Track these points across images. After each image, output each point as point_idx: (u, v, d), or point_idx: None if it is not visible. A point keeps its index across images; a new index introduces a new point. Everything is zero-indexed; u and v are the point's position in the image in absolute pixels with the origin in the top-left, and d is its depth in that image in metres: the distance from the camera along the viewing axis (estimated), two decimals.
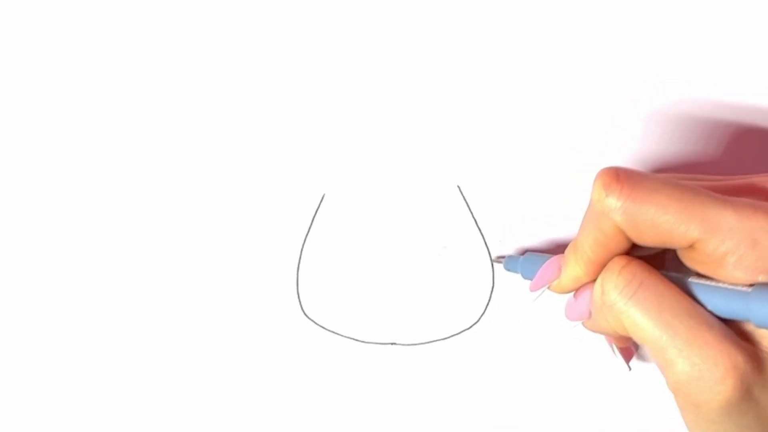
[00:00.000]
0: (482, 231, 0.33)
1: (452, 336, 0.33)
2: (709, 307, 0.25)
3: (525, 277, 0.31)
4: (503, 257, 0.33)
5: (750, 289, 0.24)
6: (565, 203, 0.33)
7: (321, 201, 0.34)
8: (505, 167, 0.34)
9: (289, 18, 0.34)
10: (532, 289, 0.30)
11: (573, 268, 0.28)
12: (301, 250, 0.34)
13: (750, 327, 0.25)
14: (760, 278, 0.24)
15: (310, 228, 0.34)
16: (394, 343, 0.34)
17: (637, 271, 0.26)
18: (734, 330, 0.25)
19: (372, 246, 0.34)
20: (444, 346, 0.34)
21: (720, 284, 0.25)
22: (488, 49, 0.34)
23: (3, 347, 0.34)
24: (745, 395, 0.24)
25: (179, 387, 0.34)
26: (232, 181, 0.34)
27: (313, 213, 0.34)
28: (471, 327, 0.33)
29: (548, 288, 0.29)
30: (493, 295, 0.33)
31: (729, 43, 0.33)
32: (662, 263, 0.28)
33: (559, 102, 0.33)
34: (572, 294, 0.29)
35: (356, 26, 0.34)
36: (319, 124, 0.34)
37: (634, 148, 0.33)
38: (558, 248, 0.33)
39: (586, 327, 0.28)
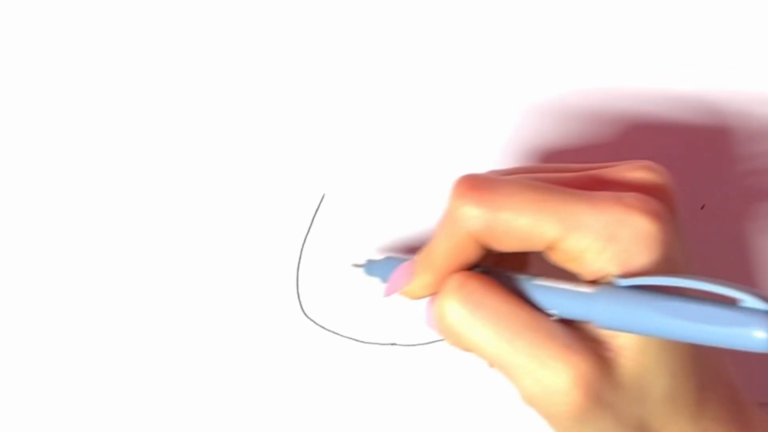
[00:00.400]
0: None
1: None
2: (554, 310, 0.24)
3: (383, 281, 0.30)
4: (362, 264, 0.32)
5: (593, 291, 0.23)
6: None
7: (321, 201, 0.34)
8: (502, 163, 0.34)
9: (289, 18, 0.34)
10: (385, 295, 0.29)
11: (424, 275, 0.27)
12: (301, 250, 0.34)
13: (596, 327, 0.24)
14: (617, 273, 0.23)
15: (310, 228, 0.34)
16: (394, 344, 0.34)
17: (475, 288, 0.25)
18: (582, 332, 0.24)
19: (372, 246, 0.33)
20: (444, 346, 0.33)
21: (565, 286, 0.24)
22: (491, 54, 0.34)
23: (3, 347, 0.34)
24: (597, 401, 0.23)
25: (179, 387, 0.34)
26: (232, 181, 0.34)
27: (313, 213, 0.34)
28: None
29: (401, 294, 0.28)
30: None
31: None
32: (524, 261, 0.27)
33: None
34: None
35: (356, 26, 0.34)
36: (319, 123, 0.34)
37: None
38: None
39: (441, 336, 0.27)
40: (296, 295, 0.34)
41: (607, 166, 0.27)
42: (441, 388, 0.34)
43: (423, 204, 0.33)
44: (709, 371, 0.26)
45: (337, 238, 0.34)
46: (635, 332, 0.23)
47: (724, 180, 0.33)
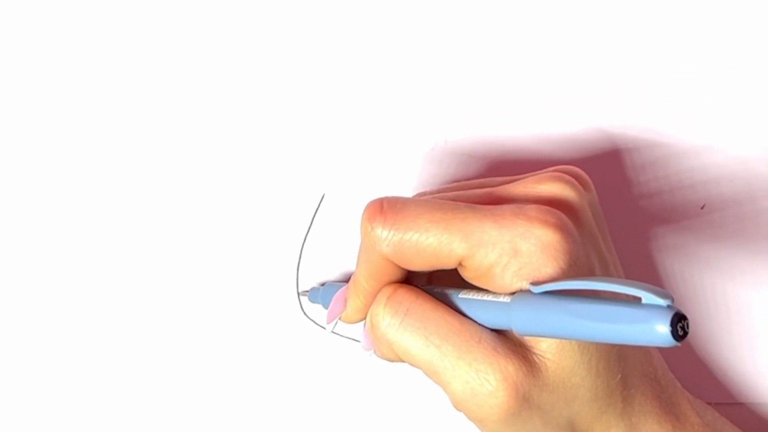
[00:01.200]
0: None
1: None
2: (479, 321, 0.25)
3: (324, 308, 0.31)
4: (307, 291, 0.33)
5: (509, 300, 0.24)
6: None
7: (321, 201, 0.34)
8: (505, 169, 0.34)
9: (289, 18, 0.34)
10: (327, 322, 0.30)
11: (354, 300, 0.28)
12: (301, 250, 0.34)
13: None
14: (524, 285, 0.24)
15: (309, 228, 0.34)
16: None
17: (403, 298, 0.26)
18: (510, 338, 0.25)
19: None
20: None
21: (485, 297, 0.25)
22: (491, 54, 0.34)
23: (3, 347, 0.34)
24: (523, 403, 0.24)
25: (179, 387, 0.34)
26: (232, 181, 0.34)
27: (313, 213, 0.34)
28: None
29: (340, 320, 0.29)
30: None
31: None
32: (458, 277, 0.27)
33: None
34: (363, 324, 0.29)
35: (356, 26, 0.34)
36: (319, 123, 0.34)
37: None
38: None
39: (377, 356, 0.28)
40: (296, 295, 0.34)
41: (516, 179, 0.27)
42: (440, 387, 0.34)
43: None
44: (633, 368, 0.26)
45: (337, 238, 0.34)
46: (549, 336, 0.23)
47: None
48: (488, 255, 0.24)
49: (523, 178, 0.27)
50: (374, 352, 0.28)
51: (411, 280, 0.27)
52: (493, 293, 0.25)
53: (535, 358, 0.24)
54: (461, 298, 0.26)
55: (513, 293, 0.24)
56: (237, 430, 0.34)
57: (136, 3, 0.34)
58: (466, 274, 0.25)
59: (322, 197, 0.34)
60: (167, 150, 0.34)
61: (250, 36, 0.34)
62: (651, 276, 0.34)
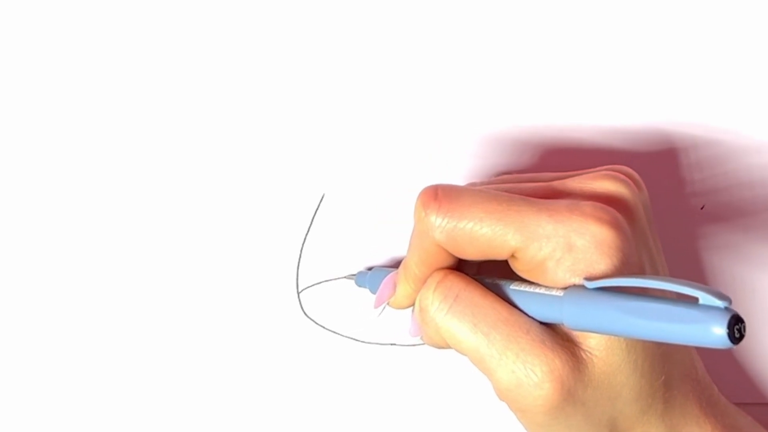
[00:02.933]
0: None
1: None
2: (529, 313, 0.25)
3: (372, 293, 0.31)
4: (354, 274, 0.33)
5: (562, 294, 0.24)
6: None
7: (321, 201, 0.34)
8: (505, 170, 0.33)
9: (289, 18, 0.34)
10: (375, 306, 0.30)
11: (404, 286, 0.28)
12: (301, 250, 0.34)
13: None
14: (577, 281, 0.24)
15: (309, 228, 0.34)
16: (394, 344, 0.34)
17: (453, 284, 0.26)
18: (558, 332, 0.25)
19: (372, 246, 0.34)
20: None
21: (537, 290, 0.25)
22: (488, 53, 0.34)
23: (3, 347, 0.34)
24: (568, 397, 0.24)
25: (179, 387, 0.34)
26: (232, 181, 0.34)
27: (313, 213, 0.34)
28: None
29: (388, 305, 0.29)
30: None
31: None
32: (507, 269, 0.28)
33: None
34: (411, 310, 0.29)
35: (356, 26, 0.34)
36: (319, 124, 0.34)
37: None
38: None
39: (424, 342, 0.28)
40: (296, 295, 0.34)
41: (572, 175, 0.27)
42: (440, 388, 0.34)
43: None
44: (676, 369, 0.26)
45: (337, 239, 0.34)
46: (601, 332, 0.23)
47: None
48: (542, 248, 0.24)
49: (578, 174, 0.27)
50: (421, 337, 0.28)
51: (460, 268, 0.27)
52: (545, 286, 0.25)
53: (583, 354, 0.24)
54: (512, 289, 0.26)
55: (565, 288, 0.24)
56: (237, 430, 0.34)
57: (136, 3, 0.34)
58: (518, 266, 0.25)
59: (322, 197, 0.34)
60: (167, 150, 0.34)
61: (250, 36, 0.34)
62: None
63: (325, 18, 0.34)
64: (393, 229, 0.34)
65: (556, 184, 0.27)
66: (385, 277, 0.29)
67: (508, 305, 0.25)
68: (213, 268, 0.34)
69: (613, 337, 0.24)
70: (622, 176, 0.27)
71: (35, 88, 0.34)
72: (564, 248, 0.24)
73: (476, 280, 0.26)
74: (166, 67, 0.34)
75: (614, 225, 0.24)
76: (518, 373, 0.24)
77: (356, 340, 0.34)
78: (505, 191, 0.26)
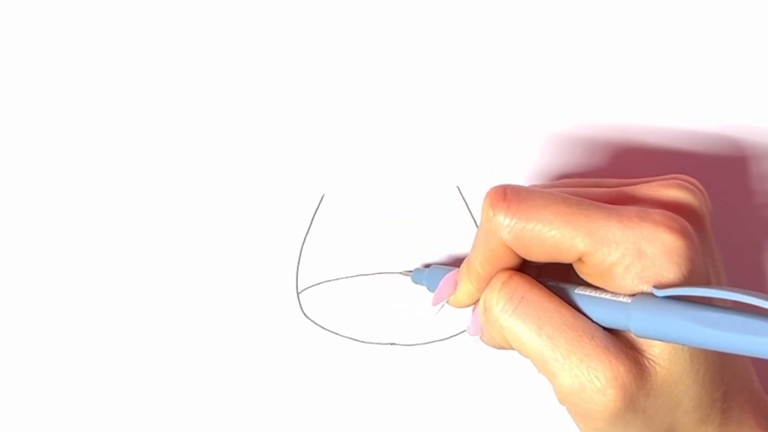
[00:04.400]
0: None
1: (451, 336, 0.33)
2: (594, 318, 0.25)
3: (430, 290, 0.31)
4: (410, 271, 0.33)
5: (630, 300, 0.24)
6: None
7: (321, 201, 0.34)
8: (505, 170, 0.34)
9: (289, 18, 0.34)
10: (433, 304, 0.30)
11: (466, 284, 0.28)
12: (301, 250, 0.34)
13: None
14: (645, 288, 0.24)
15: (309, 228, 0.34)
16: (394, 344, 0.34)
17: (518, 285, 0.26)
18: (621, 339, 0.25)
19: (371, 246, 0.34)
20: (443, 346, 0.33)
21: (603, 295, 0.25)
22: (488, 53, 0.34)
23: (3, 347, 0.34)
24: (630, 405, 0.24)
25: (178, 387, 0.34)
26: (232, 181, 0.34)
27: (313, 213, 0.34)
28: None
29: (447, 303, 0.29)
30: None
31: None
32: (566, 272, 0.28)
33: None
34: (472, 309, 0.29)
35: (356, 26, 0.34)
36: (319, 124, 0.34)
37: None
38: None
39: (483, 342, 0.28)
40: (296, 295, 0.34)
41: (640, 182, 0.27)
42: (440, 387, 0.34)
43: (423, 204, 0.34)
44: (735, 381, 0.26)
45: (337, 239, 0.34)
46: (670, 341, 0.23)
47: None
48: (611, 254, 0.24)
49: (644, 181, 0.27)
50: (480, 338, 0.28)
51: (521, 270, 0.27)
52: (611, 292, 0.25)
53: (646, 362, 0.24)
54: (576, 293, 0.26)
55: (633, 294, 0.24)
56: (237, 430, 0.34)
57: (136, 3, 0.34)
58: (584, 270, 0.25)
59: (322, 197, 0.34)
60: (168, 150, 0.34)
61: (250, 36, 0.34)
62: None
63: (325, 18, 0.34)
64: (393, 229, 0.34)
65: (626, 189, 0.27)
66: (444, 275, 0.29)
67: (573, 309, 0.25)
68: (213, 269, 0.34)
69: (677, 346, 0.24)
70: (690, 185, 0.27)
71: (35, 88, 0.34)
72: (633, 255, 0.24)
73: (540, 282, 0.26)
74: (166, 67, 0.34)
75: (684, 234, 0.24)
76: (581, 378, 0.24)
77: (356, 340, 0.34)
78: (570, 193, 0.26)
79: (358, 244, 0.34)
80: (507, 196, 0.25)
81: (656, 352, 0.24)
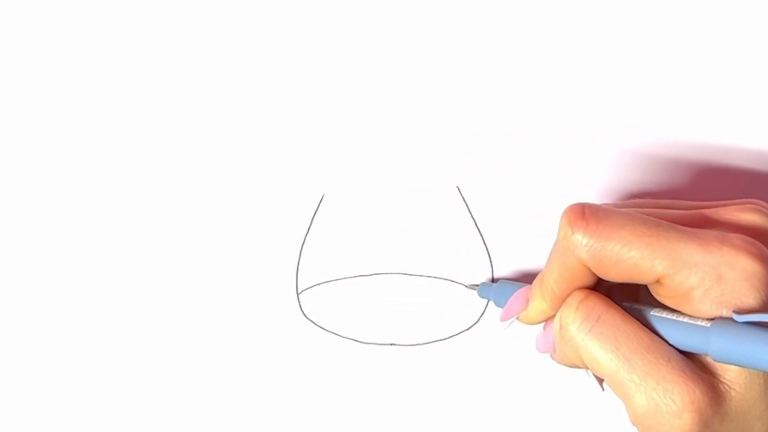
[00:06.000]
0: (481, 232, 0.33)
1: (451, 337, 0.33)
2: (670, 341, 0.25)
3: (497, 305, 0.31)
4: (477, 285, 0.33)
5: (709, 324, 0.24)
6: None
7: (321, 201, 0.34)
8: (505, 170, 0.34)
9: (288, 18, 0.34)
10: (502, 320, 0.30)
11: (539, 301, 0.28)
12: (301, 250, 0.34)
13: (711, 359, 0.25)
14: (724, 313, 0.24)
15: (309, 228, 0.34)
16: (393, 344, 0.34)
17: (595, 305, 0.26)
18: (696, 362, 0.25)
19: (371, 246, 0.34)
20: (443, 347, 0.33)
21: (681, 318, 0.25)
22: (488, 53, 0.34)
23: (3, 347, 0.34)
24: (704, 429, 0.24)
25: (178, 387, 0.34)
26: (232, 182, 0.34)
27: (313, 213, 0.34)
28: (470, 328, 0.33)
29: (517, 319, 0.29)
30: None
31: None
32: (635, 293, 0.28)
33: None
34: (542, 325, 0.29)
35: (356, 27, 0.34)
36: (319, 124, 0.34)
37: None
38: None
39: (553, 359, 0.28)
40: (296, 296, 0.34)
41: (716, 206, 0.27)
42: (440, 388, 0.33)
43: (423, 204, 0.34)
44: None
45: (337, 239, 0.34)
46: (749, 366, 0.23)
47: None
48: (690, 277, 0.24)
49: (721, 205, 0.27)
50: (551, 355, 0.28)
51: (593, 289, 0.27)
52: (688, 315, 0.25)
53: (721, 387, 0.24)
54: (653, 315, 0.26)
55: (711, 318, 0.24)
56: (237, 430, 0.34)
57: (136, 3, 0.34)
58: (661, 292, 0.25)
59: (322, 197, 0.34)
60: (168, 151, 0.34)
61: (250, 36, 0.34)
62: None
63: (325, 18, 0.34)
64: (393, 229, 0.34)
65: (703, 212, 0.27)
66: (513, 291, 0.29)
67: (649, 331, 0.25)
68: (213, 269, 0.34)
69: (752, 371, 0.24)
70: (766, 210, 0.27)
71: (35, 88, 0.34)
72: (713, 279, 0.24)
73: (616, 303, 0.26)
74: (166, 67, 0.34)
75: (764, 260, 0.24)
76: (657, 401, 0.24)
77: (355, 340, 0.34)
78: (648, 214, 0.26)
79: (358, 244, 0.34)
80: (586, 214, 0.25)
81: (731, 376, 0.24)
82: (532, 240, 0.33)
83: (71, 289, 0.34)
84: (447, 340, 0.33)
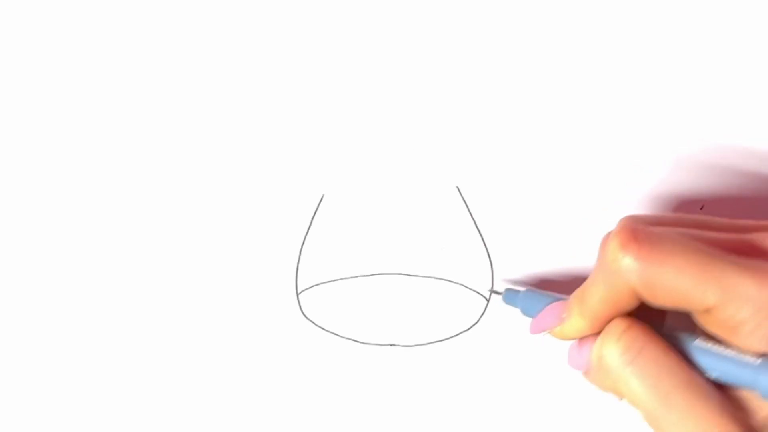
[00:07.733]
0: (481, 232, 0.33)
1: (451, 337, 0.33)
2: (712, 374, 0.25)
3: (525, 314, 0.30)
4: (500, 292, 0.32)
5: (759, 361, 0.24)
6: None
7: (320, 201, 0.34)
8: (505, 170, 0.34)
9: (289, 18, 0.34)
10: (533, 332, 0.29)
11: (577, 319, 0.27)
12: (301, 250, 0.34)
13: (745, 395, 0.25)
14: None
15: (309, 228, 0.34)
16: (393, 345, 0.34)
17: (638, 336, 0.25)
18: (731, 398, 0.25)
19: (371, 247, 0.34)
20: (443, 347, 0.33)
21: (728, 352, 0.24)
22: (489, 53, 0.34)
23: (3, 347, 0.34)
24: None
25: (178, 387, 0.34)
26: (232, 182, 0.34)
27: (313, 213, 0.34)
28: (470, 328, 0.33)
29: (549, 333, 0.29)
30: (492, 296, 0.33)
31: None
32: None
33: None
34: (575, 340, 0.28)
35: (356, 27, 0.34)
36: (319, 124, 0.34)
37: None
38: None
39: (587, 379, 0.28)
40: (296, 296, 0.34)
41: (758, 228, 0.27)
42: (440, 388, 0.33)
43: (422, 205, 0.34)
44: None
45: (337, 239, 0.34)
46: None
47: None
48: (741, 310, 0.23)
49: (765, 228, 0.27)
50: (585, 375, 0.28)
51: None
52: (734, 348, 0.24)
53: (755, 425, 0.24)
54: (698, 346, 0.25)
55: (761, 355, 0.24)
56: (237, 430, 0.34)
57: (136, 3, 0.34)
58: (709, 323, 0.25)
59: (322, 197, 0.34)
60: (168, 151, 0.34)
61: (250, 36, 0.34)
62: None
63: (325, 18, 0.34)
64: (393, 229, 0.34)
65: (752, 238, 0.26)
66: (544, 302, 0.29)
67: (689, 367, 0.25)
68: (212, 269, 0.34)
69: None
70: None
71: (35, 88, 0.34)
72: (765, 314, 0.23)
73: (657, 333, 0.26)
74: (166, 67, 0.34)
75: None
76: None
77: (355, 341, 0.34)
78: (698, 238, 0.25)
79: (358, 244, 0.34)
80: (638, 238, 0.24)
81: (765, 415, 0.24)
82: (532, 240, 0.33)
83: (71, 289, 0.34)
84: (447, 341, 0.33)
